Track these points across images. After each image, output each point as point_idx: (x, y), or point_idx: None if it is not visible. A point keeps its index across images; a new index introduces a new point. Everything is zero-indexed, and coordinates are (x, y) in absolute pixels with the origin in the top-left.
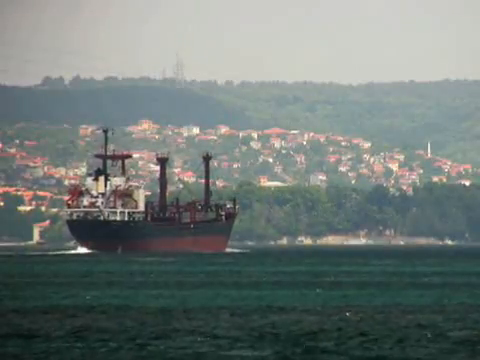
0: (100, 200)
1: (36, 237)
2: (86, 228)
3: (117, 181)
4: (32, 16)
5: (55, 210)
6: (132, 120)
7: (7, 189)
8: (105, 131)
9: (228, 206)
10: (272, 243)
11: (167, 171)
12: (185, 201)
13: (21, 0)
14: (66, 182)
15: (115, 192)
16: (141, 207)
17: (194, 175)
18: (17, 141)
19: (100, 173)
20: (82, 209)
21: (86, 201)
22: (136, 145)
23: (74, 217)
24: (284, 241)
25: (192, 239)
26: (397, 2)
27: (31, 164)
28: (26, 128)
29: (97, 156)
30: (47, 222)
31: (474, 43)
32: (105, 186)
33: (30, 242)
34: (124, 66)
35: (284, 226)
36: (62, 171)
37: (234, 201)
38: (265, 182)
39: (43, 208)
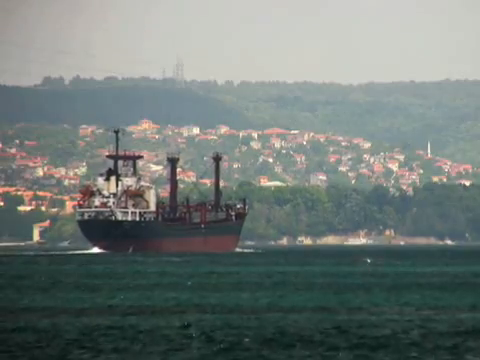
0: (111, 200)
1: (36, 237)
2: (97, 228)
3: (128, 181)
4: (32, 16)
5: (55, 210)
6: (132, 120)
7: (7, 189)
8: (116, 132)
9: (238, 206)
10: (272, 243)
11: (167, 171)
12: (194, 201)
13: (21, 0)
14: (66, 182)
15: (126, 192)
16: (152, 207)
17: (194, 175)
18: (17, 141)
19: (111, 173)
20: (93, 209)
21: (97, 201)
22: (136, 145)
23: (85, 217)
24: (284, 241)
25: (203, 239)
26: (397, 2)
27: (31, 164)
28: (26, 128)
29: (108, 156)
30: (47, 222)
31: (474, 43)
32: (116, 186)
33: (30, 242)
34: (124, 66)
35: (284, 226)
36: (62, 171)
37: (244, 201)
38: (265, 182)
39: (43, 208)
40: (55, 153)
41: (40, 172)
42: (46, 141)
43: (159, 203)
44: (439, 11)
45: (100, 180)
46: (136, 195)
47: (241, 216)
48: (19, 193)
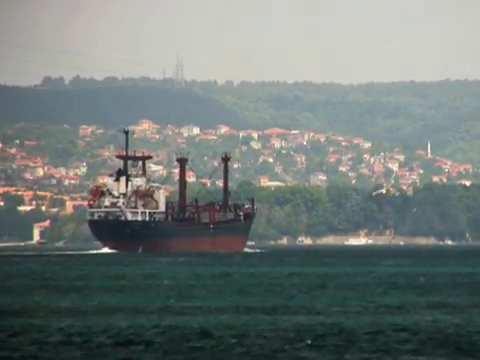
0: (121, 200)
1: (36, 237)
2: (107, 228)
3: (138, 181)
4: (32, 16)
5: (55, 210)
6: (132, 120)
7: (7, 189)
8: (126, 132)
9: (246, 206)
10: (272, 243)
11: (167, 171)
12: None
13: (21, 0)
14: (66, 182)
15: (136, 192)
16: (162, 207)
17: (194, 175)
18: (17, 141)
19: (121, 174)
20: (103, 209)
21: (107, 201)
22: (136, 145)
23: (95, 217)
24: (284, 241)
25: (211, 239)
26: (397, 2)
27: (31, 164)
28: (26, 128)
29: (118, 157)
30: (47, 222)
31: (474, 43)
32: (126, 186)
33: (30, 242)
34: (124, 66)
35: (284, 226)
36: (62, 171)
37: (252, 201)
38: (265, 182)
39: (43, 208)
40: (55, 153)
41: (40, 172)
42: (46, 141)
43: (168, 203)
44: (439, 11)
45: (110, 180)
46: (146, 195)
47: (249, 216)
48: (19, 193)
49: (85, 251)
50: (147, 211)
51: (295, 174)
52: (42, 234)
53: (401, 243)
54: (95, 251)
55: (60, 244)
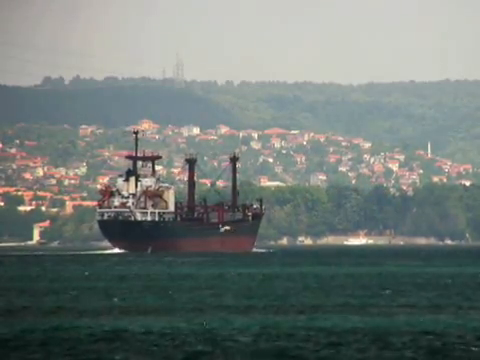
0: (131, 201)
1: (36, 237)
2: (117, 228)
3: (147, 182)
4: (32, 16)
5: (55, 210)
6: (132, 120)
7: (7, 189)
8: (136, 133)
9: (255, 206)
10: (272, 243)
11: (167, 171)
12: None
13: (21, 0)
14: (66, 182)
15: (145, 193)
16: (171, 208)
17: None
18: (17, 141)
19: (131, 174)
20: (113, 209)
21: (117, 202)
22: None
23: (105, 217)
24: (284, 241)
25: (220, 239)
26: (397, 2)
27: (31, 164)
28: (26, 128)
29: (128, 157)
30: (47, 222)
31: (474, 43)
32: (136, 187)
33: (30, 242)
34: (124, 66)
35: (284, 226)
36: (62, 171)
37: (261, 201)
38: (265, 182)
39: (43, 208)
40: (55, 153)
41: (40, 172)
42: (46, 141)
43: (177, 203)
44: (439, 11)
45: (120, 181)
46: (155, 195)
47: (257, 216)
48: (19, 193)
49: (91, 251)
50: (156, 211)
51: (295, 174)
52: (42, 234)
53: (401, 243)
54: (105, 251)
55: (55, 244)
